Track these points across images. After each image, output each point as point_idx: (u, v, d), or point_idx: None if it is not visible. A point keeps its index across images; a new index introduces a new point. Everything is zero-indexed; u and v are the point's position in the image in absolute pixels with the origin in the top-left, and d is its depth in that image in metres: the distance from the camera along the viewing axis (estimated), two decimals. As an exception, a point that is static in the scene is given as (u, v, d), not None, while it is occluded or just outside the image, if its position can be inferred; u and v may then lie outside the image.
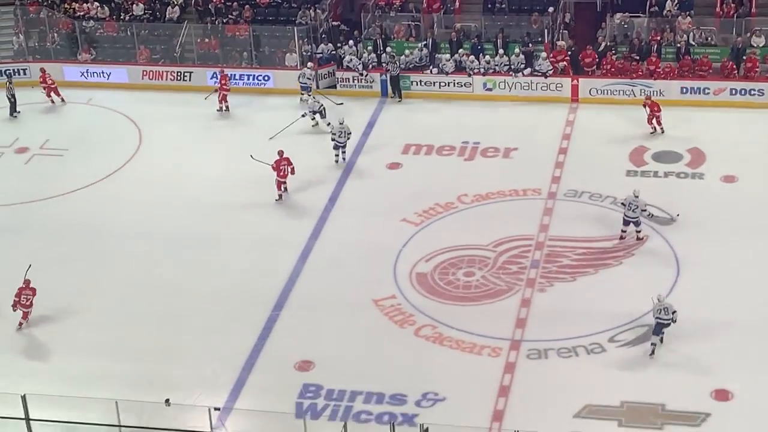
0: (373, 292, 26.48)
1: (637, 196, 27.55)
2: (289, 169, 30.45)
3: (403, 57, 36.48)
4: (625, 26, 36.74)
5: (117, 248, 28.72)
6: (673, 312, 23.78)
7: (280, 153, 30.50)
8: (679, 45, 35.76)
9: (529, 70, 35.59)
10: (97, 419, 21.11)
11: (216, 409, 21.48)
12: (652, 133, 32.80)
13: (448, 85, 36.18)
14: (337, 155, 32.40)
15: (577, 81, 35.39)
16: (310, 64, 36.42)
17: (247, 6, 39.03)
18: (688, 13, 36.39)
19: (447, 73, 36.03)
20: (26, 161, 33.69)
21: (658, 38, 36.07)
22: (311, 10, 38.30)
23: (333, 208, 30.16)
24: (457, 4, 38.27)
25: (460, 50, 36.49)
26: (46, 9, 39.74)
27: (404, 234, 28.71)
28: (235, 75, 37.28)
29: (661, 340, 24.09)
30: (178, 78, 37.75)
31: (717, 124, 33.55)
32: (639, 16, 36.98)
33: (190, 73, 37.58)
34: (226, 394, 23.31)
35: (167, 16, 39.51)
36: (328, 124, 33.62)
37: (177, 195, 31.00)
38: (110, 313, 26.24)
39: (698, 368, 23.44)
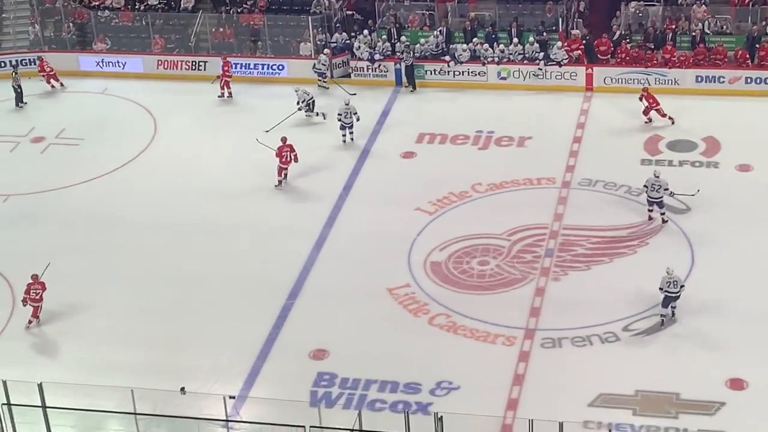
0: (387, 281, 26.51)
1: (658, 176, 27.67)
2: (292, 156, 30.54)
3: (418, 45, 36.49)
4: (640, 15, 36.65)
5: (132, 237, 28.82)
6: (681, 286, 23.91)
7: (284, 140, 30.63)
8: (694, 33, 35.66)
9: (542, 55, 35.50)
10: (113, 407, 21.17)
11: (231, 397, 21.52)
12: (646, 122, 32.69)
13: (463, 74, 36.15)
14: (344, 135, 32.67)
15: (592, 70, 35.31)
16: (326, 50, 36.50)
17: (261, -5, 39.14)
18: (703, 1, 36.28)
19: (461, 63, 36.00)
20: (42, 150, 33.82)
21: (673, 27, 35.96)
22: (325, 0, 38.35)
23: (347, 197, 30.19)
24: (472, -8, 38.31)
25: (475, 39, 36.45)
26: (61, -1, 39.95)
27: (418, 223, 28.73)
28: (249, 64, 37.41)
29: (673, 315, 24.23)
30: (193, 67, 37.82)
31: (732, 113, 33.44)
32: (654, 5, 36.86)
33: (205, 62, 37.63)
34: (240, 383, 23.40)
35: (182, 5, 39.57)
36: (317, 114, 33.86)
37: (192, 184, 31.07)
38: (126, 301, 26.35)
39: (713, 357, 23.42)
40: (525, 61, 35.77)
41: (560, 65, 35.37)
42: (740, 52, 34.72)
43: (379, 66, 36.42)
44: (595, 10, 37.93)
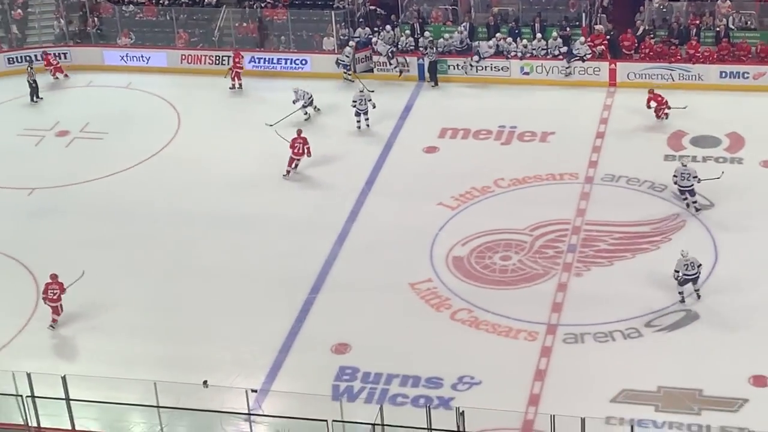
0: (409, 276, 26.53)
1: (685, 165, 27.85)
2: (305, 149, 30.72)
3: (441, 40, 36.47)
4: (664, 10, 36.52)
5: (156, 230, 28.94)
6: (699, 266, 24.10)
7: (299, 132, 30.99)
8: (718, 29, 35.49)
9: (565, 51, 35.45)
10: (136, 400, 21.25)
11: (253, 390, 21.54)
12: (664, 119, 32.53)
13: (486, 69, 36.10)
14: (358, 121, 33.04)
15: (615, 65, 35.22)
16: (351, 43, 36.60)
17: (284, -10, 39.19)
18: (727, -4, 36.19)
19: (483, 57, 35.96)
20: (67, 144, 33.98)
21: (697, 22, 35.81)
22: (349, -6, 38.44)
23: (369, 192, 30.22)
24: (495, -13, 38.25)
25: (498, 34, 36.41)
26: (86, -7, 40.11)
27: (441, 218, 28.74)
28: (272, 59, 37.54)
29: (699, 297, 24.40)
30: (217, 62, 37.90)
31: (756, 109, 33.29)
32: (678, 0, 36.71)
33: (229, 57, 37.68)
34: (263, 376, 23.48)
35: (206, 0, 39.66)
36: (315, 108, 34.00)
37: (215, 178, 31.18)
38: (148, 294, 26.48)
39: (736, 354, 23.33)
40: (548, 57, 35.70)
41: (583, 60, 35.28)
42: (761, 47, 34.49)
43: (395, 67, 36.20)
44: (618, 6, 37.81)
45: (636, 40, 35.55)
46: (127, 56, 38.85)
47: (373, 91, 34.63)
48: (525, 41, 36.06)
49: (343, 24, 37.75)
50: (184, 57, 38.46)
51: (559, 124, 33.08)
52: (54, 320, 25.38)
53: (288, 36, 38.13)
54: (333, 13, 37.76)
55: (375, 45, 36.66)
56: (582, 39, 35.52)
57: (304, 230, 28.59)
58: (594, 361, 23.51)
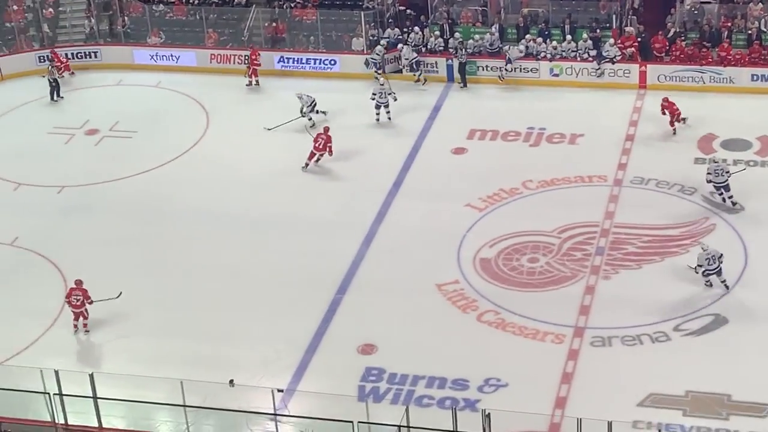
0: (436, 277, 26.49)
1: (717, 161, 28.00)
2: (327, 147, 30.93)
3: (470, 41, 36.40)
4: (695, 12, 36.31)
5: (183, 229, 29.04)
6: (720, 255, 24.14)
7: (326, 129, 31.34)
8: (750, 32, 35.27)
9: (595, 53, 35.30)
10: (162, 398, 21.30)
11: (279, 390, 21.56)
12: (682, 124, 32.26)
13: (515, 71, 36.00)
14: (378, 114, 33.28)
15: (645, 67, 35.05)
16: (383, 41, 36.59)
17: (314, -10, 39.23)
18: (759, -1, 35.96)
19: (513, 60, 35.86)
20: (96, 143, 34.14)
21: (729, 25, 35.60)
22: (378, -5, 38.44)
23: (397, 193, 30.20)
24: (525, -11, 38.14)
25: (527, 35, 36.31)
26: (117, -7, 40.31)
27: (468, 219, 28.68)
28: (302, 59, 37.59)
29: (726, 286, 24.56)
30: (246, 62, 37.98)
31: (788, 112, 33.09)
32: (710, 2, 36.50)
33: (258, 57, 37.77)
34: (289, 376, 23.49)
35: (235, 0, 39.76)
36: (318, 112, 33.81)
37: (243, 177, 31.24)
38: (175, 292, 26.55)
39: (765, 359, 23.15)
40: (578, 59, 35.57)
41: (613, 62, 35.13)
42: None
43: (420, 75, 36.17)
44: (649, 7, 37.62)
45: (667, 43, 35.37)
46: (156, 55, 38.99)
47: (396, 99, 34.24)
48: (555, 43, 35.95)
49: (372, 24, 37.75)
50: (213, 56, 38.56)
51: (588, 126, 32.95)
52: (84, 325, 25.33)
53: (317, 36, 38.17)
54: (362, 13, 37.78)
55: (401, 50, 36.61)
56: (612, 41, 35.37)
57: (332, 230, 28.60)
58: (621, 365, 23.39)
